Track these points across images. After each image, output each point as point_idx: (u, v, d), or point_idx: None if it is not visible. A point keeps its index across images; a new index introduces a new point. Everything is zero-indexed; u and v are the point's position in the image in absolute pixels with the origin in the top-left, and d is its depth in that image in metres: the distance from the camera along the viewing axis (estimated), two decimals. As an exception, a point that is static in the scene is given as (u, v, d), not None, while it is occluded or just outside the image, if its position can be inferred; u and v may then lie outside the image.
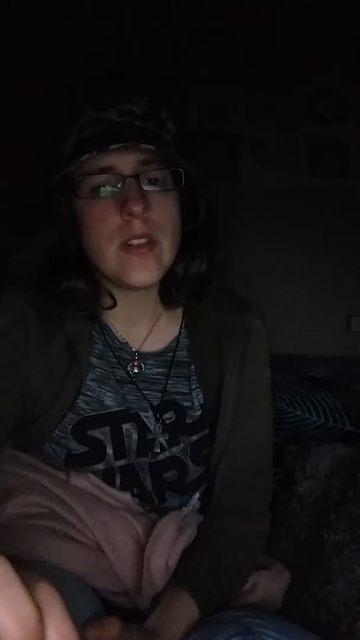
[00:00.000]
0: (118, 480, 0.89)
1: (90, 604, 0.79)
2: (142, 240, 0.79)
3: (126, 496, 0.89)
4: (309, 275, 1.98)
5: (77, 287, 0.85)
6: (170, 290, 0.91)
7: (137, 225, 0.78)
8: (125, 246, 0.79)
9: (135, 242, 0.79)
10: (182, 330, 0.95)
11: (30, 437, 0.89)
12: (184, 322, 0.96)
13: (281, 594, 0.97)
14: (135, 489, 0.90)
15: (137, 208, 0.76)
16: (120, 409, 0.90)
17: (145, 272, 0.80)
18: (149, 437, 0.90)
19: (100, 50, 1.69)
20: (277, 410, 1.54)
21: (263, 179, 1.99)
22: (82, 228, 0.83)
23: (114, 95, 0.84)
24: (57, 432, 0.87)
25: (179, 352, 0.94)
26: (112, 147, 0.75)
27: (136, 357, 0.92)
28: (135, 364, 0.92)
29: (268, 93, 1.94)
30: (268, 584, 0.94)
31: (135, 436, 0.90)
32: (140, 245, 0.79)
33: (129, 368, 0.91)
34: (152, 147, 0.76)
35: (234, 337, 0.92)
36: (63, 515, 0.83)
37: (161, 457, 0.91)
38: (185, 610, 0.78)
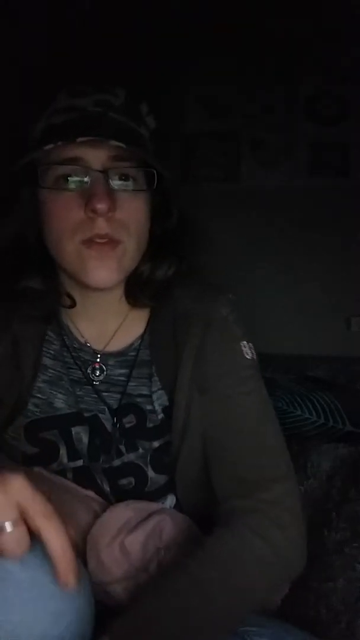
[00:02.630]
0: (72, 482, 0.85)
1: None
2: (104, 240, 0.75)
3: (88, 492, 0.85)
4: (309, 275, 1.98)
5: (33, 288, 0.81)
6: (134, 291, 0.86)
7: (101, 224, 0.74)
8: (87, 241, 0.75)
9: (97, 241, 0.75)
10: (147, 328, 0.88)
11: None
12: (150, 320, 0.88)
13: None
14: (92, 491, 0.85)
15: (101, 206, 0.71)
16: (70, 411, 0.85)
17: (104, 272, 0.76)
18: (101, 441, 0.85)
19: (100, 50, 1.69)
20: (277, 410, 1.53)
21: (263, 179, 1.99)
22: (43, 219, 0.78)
23: (92, 83, 0.79)
24: (10, 433, 0.85)
25: (142, 351, 0.87)
26: (79, 139, 0.69)
27: (98, 359, 0.87)
28: (96, 366, 0.87)
29: (268, 93, 1.94)
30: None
31: (85, 440, 0.85)
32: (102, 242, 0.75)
33: (89, 370, 0.86)
34: (122, 145, 0.70)
35: (190, 330, 0.84)
36: None
37: (116, 462, 0.85)
38: None
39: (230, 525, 0.76)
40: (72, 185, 0.74)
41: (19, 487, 0.51)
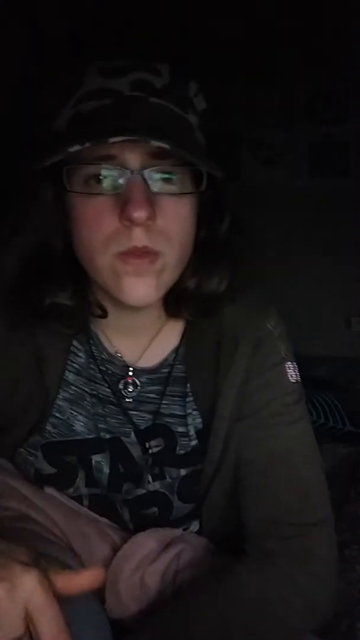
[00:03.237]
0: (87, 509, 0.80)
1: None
2: (142, 253, 0.64)
3: (103, 519, 0.79)
4: (309, 275, 1.98)
5: (62, 304, 0.70)
6: (176, 306, 0.74)
7: (138, 235, 0.62)
8: (122, 254, 0.64)
9: (134, 253, 0.64)
10: (183, 340, 0.78)
11: None
12: (186, 332, 0.79)
13: None
14: (109, 518, 0.79)
15: (139, 214, 0.60)
16: (90, 437, 0.76)
17: (141, 289, 0.65)
18: (124, 469, 0.77)
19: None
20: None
21: (263, 179, 1.99)
22: (72, 226, 0.67)
23: (127, 59, 0.66)
24: (26, 448, 0.77)
25: (176, 366, 0.78)
26: (111, 140, 0.57)
27: (130, 373, 0.77)
28: (129, 380, 0.77)
29: (268, 93, 1.94)
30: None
31: (106, 469, 0.77)
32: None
33: (120, 386, 0.77)
34: (165, 145, 0.58)
35: (238, 349, 0.74)
36: (43, 522, 0.77)
37: (140, 491, 0.77)
38: None
39: (262, 566, 0.70)
40: (104, 188, 0.63)
41: (30, 591, 0.43)
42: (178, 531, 0.78)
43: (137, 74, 0.64)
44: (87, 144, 0.57)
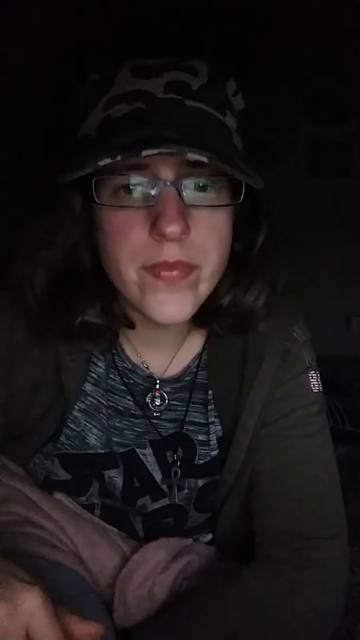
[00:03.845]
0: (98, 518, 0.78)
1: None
2: (175, 273, 0.58)
3: (112, 528, 0.78)
4: (308, 275, 1.98)
5: (92, 322, 0.65)
6: (209, 321, 0.70)
7: (171, 251, 0.57)
8: (150, 268, 0.59)
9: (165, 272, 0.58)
10: (206, 346, 0.74)
11: (13, 451, 0.78)
12: (209, 337, 0.75)
13: None
14: (120, 528, 0.78)
15: (172, 229, 0.55)
16: (103, 451, 0.73)
17: (174, 308, 0.59)
18: (140, 483, 0.75)
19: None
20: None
21: (263, 179, 1.99)
22: (99, 238, 0.62)
23: (162, 56, 0.62)
24: (42, 453, 0.76)
25: (199, 373, 0.74)
26: (145, 153, 0.52)
27: (157, 386, 0.73)
28: (157, 394, 0.73)
29: (268, 93, 1.94)
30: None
31: (120, 485, 0.74)
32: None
33: (147, 399, 0.73)
34: (203, 159, 0.53)
35: (265, 359, 0.70)
36: (49, 528, 0.76)
37: (160, 504, 0.75)
38: None
39: (270, 573, 0.69)
40: (135, 199, 0.58)
41: (32, 612, 0.42)
42: (188, 541, 0.77)
43: (172, 74, 0.60)
44: (119, 157, 0.53)
